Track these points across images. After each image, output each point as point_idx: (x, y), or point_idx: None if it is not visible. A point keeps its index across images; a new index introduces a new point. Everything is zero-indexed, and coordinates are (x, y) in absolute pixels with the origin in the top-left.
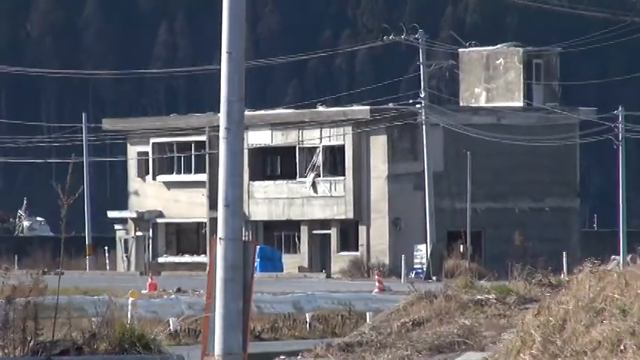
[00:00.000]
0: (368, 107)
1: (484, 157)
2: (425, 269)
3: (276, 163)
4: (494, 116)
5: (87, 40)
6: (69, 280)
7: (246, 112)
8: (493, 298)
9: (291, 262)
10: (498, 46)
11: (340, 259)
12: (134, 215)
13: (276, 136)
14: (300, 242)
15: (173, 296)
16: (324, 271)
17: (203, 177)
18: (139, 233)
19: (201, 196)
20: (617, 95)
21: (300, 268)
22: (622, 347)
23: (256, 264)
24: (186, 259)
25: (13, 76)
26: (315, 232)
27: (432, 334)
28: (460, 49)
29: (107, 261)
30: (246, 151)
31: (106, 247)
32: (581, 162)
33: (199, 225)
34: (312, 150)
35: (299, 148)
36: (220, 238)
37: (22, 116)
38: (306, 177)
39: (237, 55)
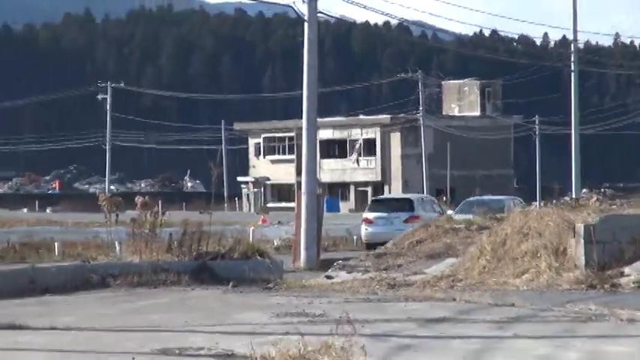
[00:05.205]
0: (389, 116)
1: (457, 145)
2: None
3: (335, 148)
4: (463, 121)
5: (225, 80)
6: (215, 217)
7: (318, 119)
8: (463, 227)
9: (345, 206)
10: (465, 80)
11: None
12: (253, 179)
13: (335, 133)
14: (349, 194)
15: (276, 226)
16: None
17: (292, 157)
18: (255, 190)
19: (291, 167)
20: (536, 108)
21: (350, 210)
22: (538, 255)
23: (324, 207)
24: (283, 204)
25: (182, 100)
26: (358, 188)
27: (427, 248)
28: (443, 82)
29: (237, 206)
30: (318, 142)
31: (236, 198)
32: (514, 148)
33: (291, 185)
34: (356, 141)
35: (349, 140)
36: (303, 193)
37: (187, 121)
38: (352, 156)
39: (311, 89)
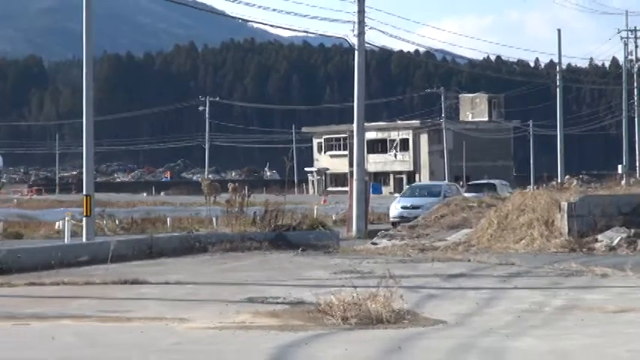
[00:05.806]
0: (419, 121)
1: (471, 143)
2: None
3: (379, 146)
4: (475, 125)
5: (294, 94)
6: (288, 198)
7: (365, 124)
8: (475, 204)
9: (385, 190)
10: (476, 93)
11: None
12: (316, 169)
13: (378, 134)
14: (389, 181)
15: (334, 205)
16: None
17: (346, 152)
18: (318, 177)
19: (345, 160)
20: (530, 115)
21: (390, 193)
22: (533, 225)
23: (370, 190)
24: (340, 189)
25: (262, 110)
26: (396, 176)
27: (448, 221)
28: (460, 95)
29: (304, 190)
30: (365, 141)
31: (304, 184)
32: (514, 145)
33: (345, 174)
34: (394, 140)
35: (388, 139)
36: (354, 180)
37: (266, 126)
38: (391, 151)
39: (360, 102)
